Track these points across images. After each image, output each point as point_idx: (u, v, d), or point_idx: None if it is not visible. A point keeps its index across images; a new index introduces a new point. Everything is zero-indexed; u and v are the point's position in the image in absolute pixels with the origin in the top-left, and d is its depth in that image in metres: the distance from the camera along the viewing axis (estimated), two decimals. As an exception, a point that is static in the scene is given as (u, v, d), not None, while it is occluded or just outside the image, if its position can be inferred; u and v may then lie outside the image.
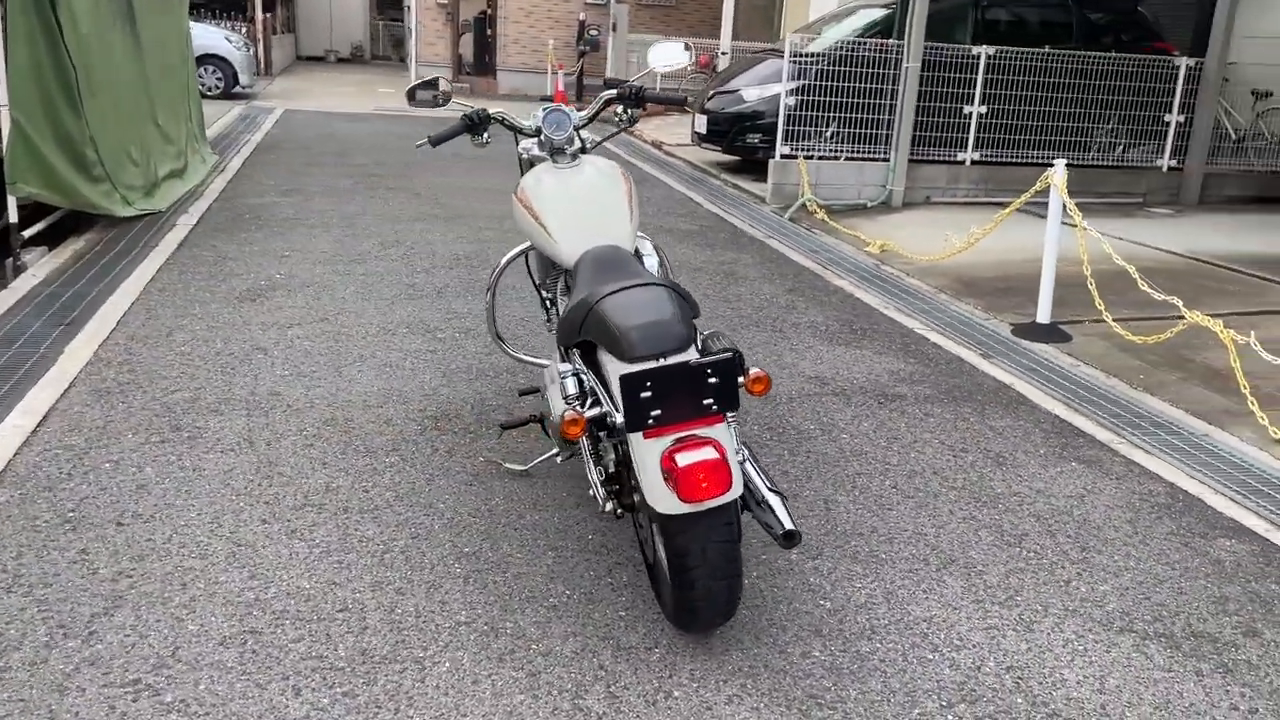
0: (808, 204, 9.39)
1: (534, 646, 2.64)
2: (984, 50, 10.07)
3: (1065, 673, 2.67)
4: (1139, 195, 10.87)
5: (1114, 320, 5.50)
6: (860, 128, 9.94)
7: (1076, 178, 10.61)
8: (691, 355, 2.48)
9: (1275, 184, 11.38)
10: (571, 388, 2.77)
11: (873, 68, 9.82)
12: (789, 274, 7.00)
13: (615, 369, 2.53)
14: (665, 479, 2.31)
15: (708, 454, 2.29)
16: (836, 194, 9.82)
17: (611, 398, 2.58)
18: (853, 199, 9.94)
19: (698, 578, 2.43)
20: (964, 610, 2.93)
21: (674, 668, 2.57)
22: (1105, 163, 10.94)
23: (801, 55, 9.96)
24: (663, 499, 2.33)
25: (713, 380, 2.35)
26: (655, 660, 2.60)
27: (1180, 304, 5.16)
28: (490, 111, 3.57)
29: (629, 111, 3.61)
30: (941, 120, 10.16)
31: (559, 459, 3.51)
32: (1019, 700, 2.54)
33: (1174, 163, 10.96)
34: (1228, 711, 2.56)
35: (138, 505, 3.26)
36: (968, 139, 10.34)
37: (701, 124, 11.28)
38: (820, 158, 9.95)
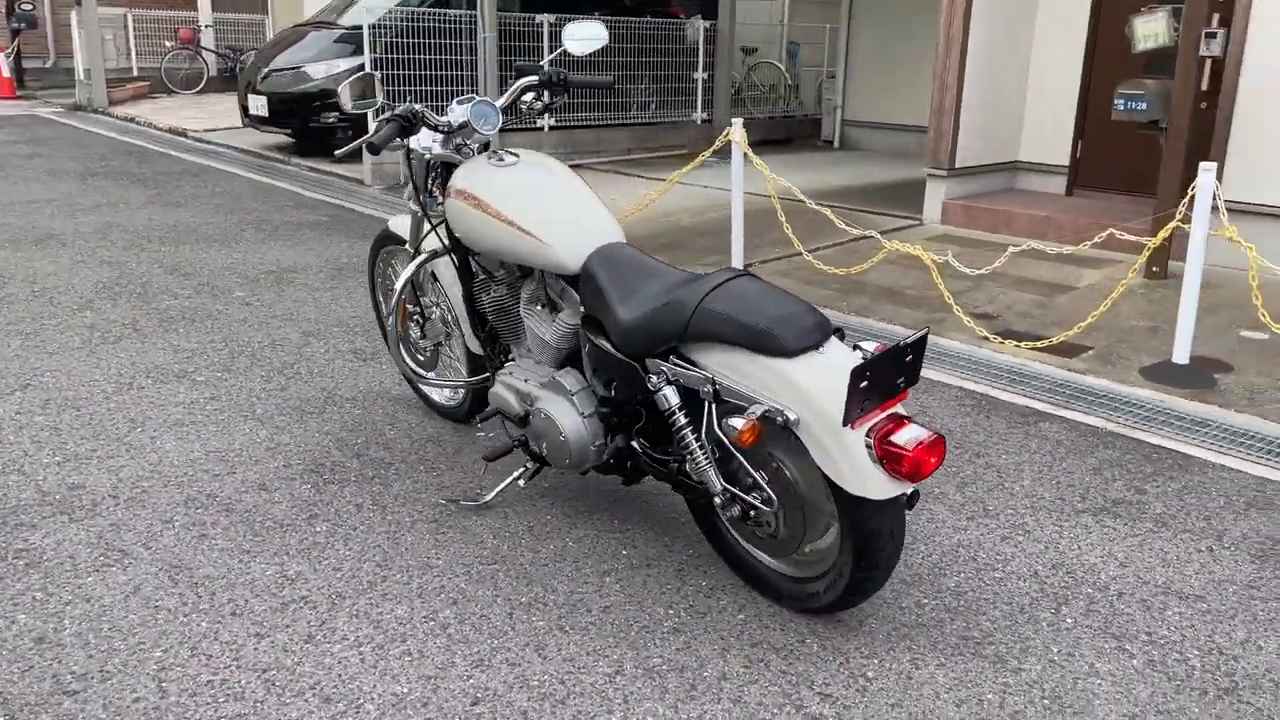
0: (416, 182, 9.10)
1: (731, 688, 2.47)
2: (546, 18, 10.39)
3: (1070, 550, 3.07)
4: (682, 147, 12.00)
5: (807, 252, 6.16)
6: (442, 100, 9.78)
7: (629, 136, 11.60)
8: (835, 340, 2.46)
9: (774, 128, 13.19)
10: (675, 397, 2.59)
11: (445, 38, 9.69)
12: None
13: (751, 364, 2.41)
14: (878, 462, 2.28)
15: (923, 432, 2.30)
16: (431, 169, 9.61)
17: (739, 395, 2.46)
18: (448, 173, 9.80)
19: (884, 556, 2.44)
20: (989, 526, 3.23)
21: (846, 654, 2.56)
22: (655, 119, 11.89)
23: (355, 28, 9.54)
24: (874, 483, 2.29)
25: (909, 359, 2.35)
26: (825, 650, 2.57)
27: (856, 232, 5.93)
28: (415, 107, 3.11)
29: (552, 99, 3.33)
30: (517, 88, 10.36)
31: (521, 481, 3.23)
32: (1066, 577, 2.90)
33: (705, 115, 12.24)
34: (1186, 541, 3.13)
35: None
36: (542, 105, 10.64)
37: (260, 105, 10.31)
38: (412, 133, 9.66)
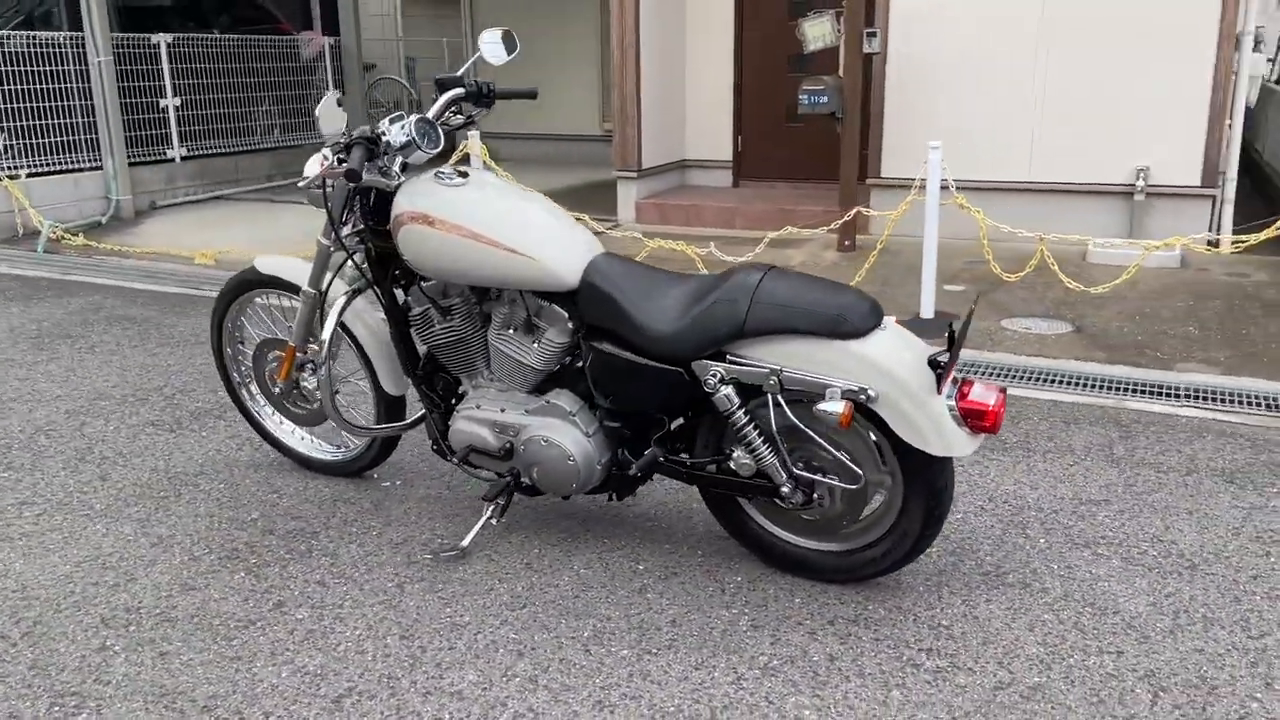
0: (51, 230, 7.94)
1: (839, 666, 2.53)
2: (164, 38, 9.44)
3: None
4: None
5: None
6: (46, 135, 8.55)
7: (271, 162, 10.84)
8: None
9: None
10: (735, 395, 2.62)
11: (43, 65, 8.48)
12: (173, 308, 6.09)
13: (823, 349, 2.51)
14: (960, 421, 2.47)
15: (989, 387, 2.51)
16: (57, 215, 8.40)
17: (803, 383, 2.55)
18: (77, 218, 8.61)
19: (944, 510, 2.65)
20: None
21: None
22: (295, 142, 11.21)
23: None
24: (959, 442, 2.47)
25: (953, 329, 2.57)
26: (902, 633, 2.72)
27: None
28: (377, 127, 2.81)
29: (477, 112, 3.10)
30: (141, 118, 9.31)
31: (494, 520, 3.08)
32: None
33: (342, 135, 11.73)
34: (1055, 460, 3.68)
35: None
36: (171, 134, 9.66)
37: None
38: (30, 174, 8.36)
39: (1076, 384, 4.53)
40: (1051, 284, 5.98)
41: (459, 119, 3.10)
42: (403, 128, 2.85)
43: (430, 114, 2.99)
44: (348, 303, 3.15)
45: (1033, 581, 2.86)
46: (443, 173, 2.89)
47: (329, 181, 2.96)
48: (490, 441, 2.96)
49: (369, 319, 3.25)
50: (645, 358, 2.70)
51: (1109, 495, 3.41)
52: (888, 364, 2.48)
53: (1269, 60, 9.80)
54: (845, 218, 6.79)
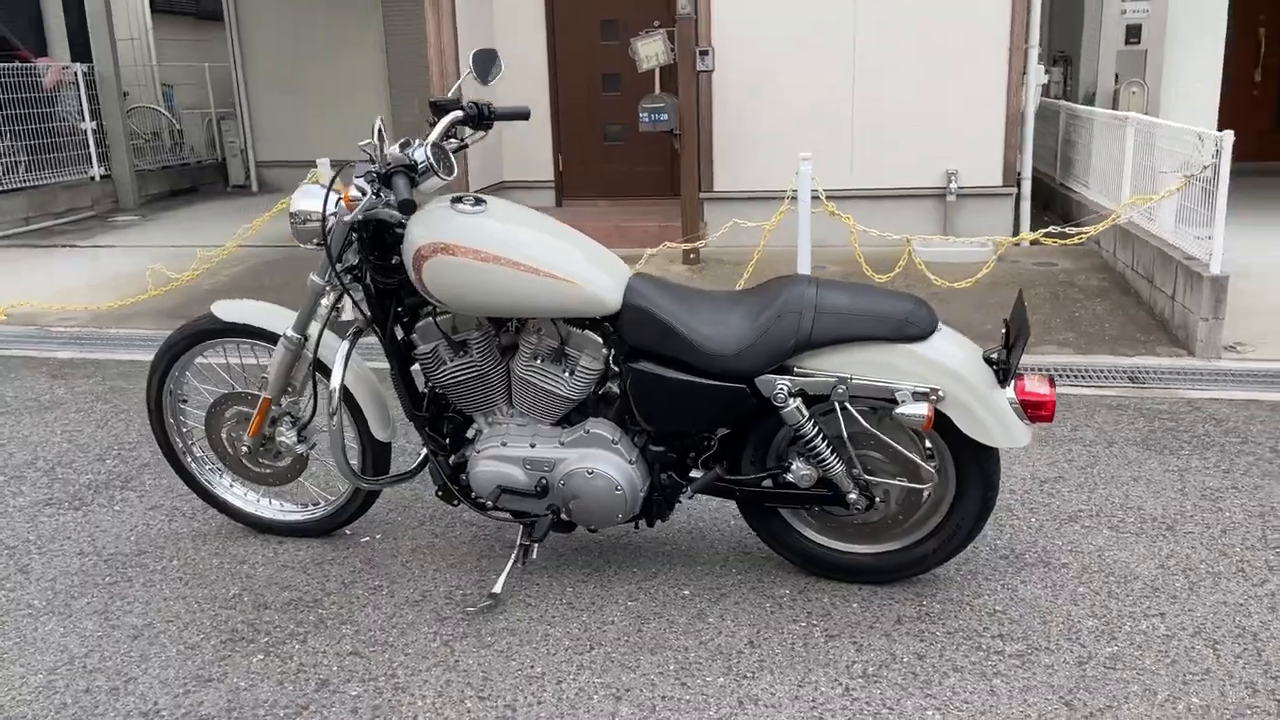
0: None
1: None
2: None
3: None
4: (88, 208, 10.43)
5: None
6: None
7: (26, 203, 9.72)
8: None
9: (177, 178, 12.02)
10: (804, 407, 2.63)
11: None
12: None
13: (890, 353, 2.57)
14: (1020, 413, 2.59)
15: (1040, 379, 2.64)
16: None
17: (869, 389, 2.60)
18: None
19: (995, 500, 2.76)
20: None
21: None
22: (48, 180, 10.13)
23: None
24: (1019, 433, 2.58)
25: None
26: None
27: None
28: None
29: (474, 135, 2.91)
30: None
31: (521, 564, 2.95)
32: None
33: (103, 170, 10.74)
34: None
35: None
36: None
37: None
38: None
39: (973, 373, 4.86)
40: (913, 283, 6.37)
41: (453, 143, 2.92)
42: (421, 153, 2.67)
43: (432, 139, 2.81)
44: (352, 346, 2.90)
45: (1050, 559, 3.04)
46: (461, 200, 2.72)
47: (330, 216, 2.73)
48: (521, 479, 2.82)
49: (354, 363, 3.00)
50: (703, 377, 2.66)
51: (1060, 472, 3.67)
52: (951, 364, 2.57)
53: (1046, 71, 10.87)
54: (706, 237, 6.94)
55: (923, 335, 2.58)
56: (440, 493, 3.00)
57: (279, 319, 3.03)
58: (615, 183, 9.01)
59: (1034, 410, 2.59)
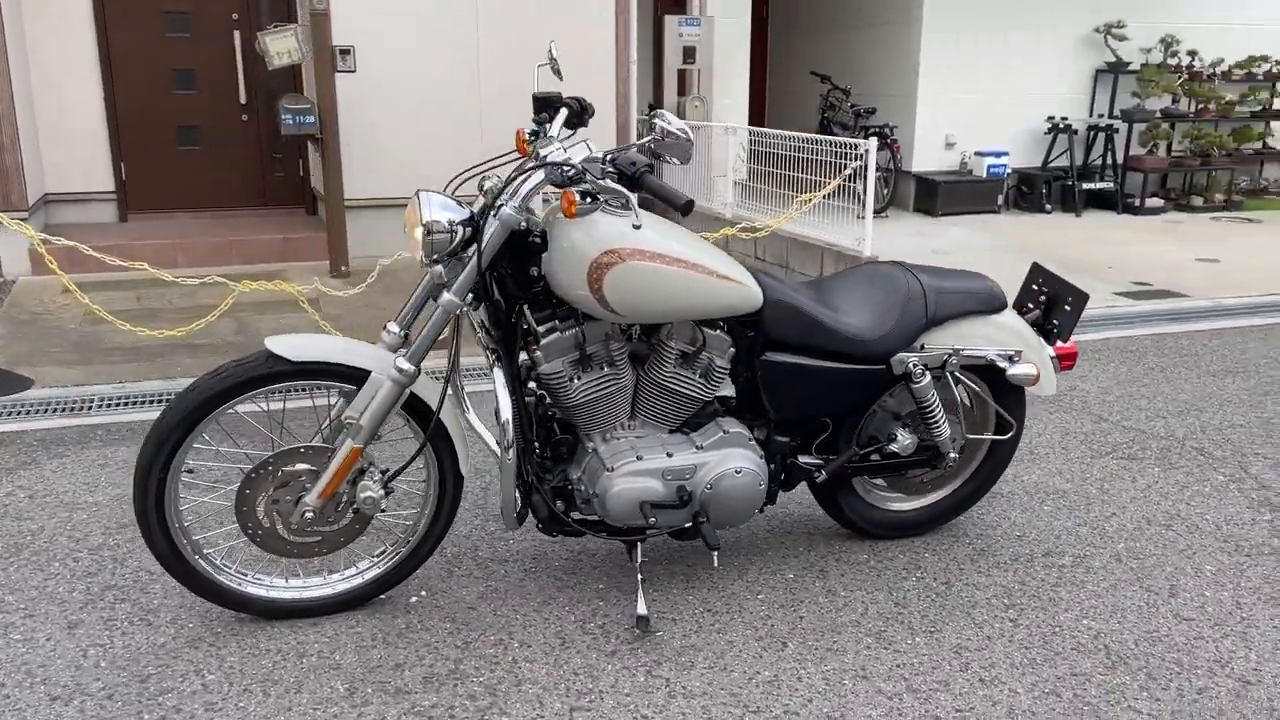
0: None
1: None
2: None
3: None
4: None
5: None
6: None
7: None
8: None
9: None
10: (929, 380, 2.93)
11: None
12: None
13: (984, 325, 2.98)
14: (1056, 365, 3.14)
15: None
16: None
17: (968, 356, 2.99)
18: None
19: (1022, 432, 3.26)
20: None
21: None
22: None
23: None
24: (1053, 382, 3.11)
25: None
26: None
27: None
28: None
29: (570, 133, 2.60)
30: None
31: (640, 575, 2.89)
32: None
33: None
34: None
35: None
36: None
37: None
38: None
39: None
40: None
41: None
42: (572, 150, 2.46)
43: (555, 134, 2.58)
44: (513, 373, 2.53)
45: (1055, 537, 3.66)
46: (610, 203, 2.55)
47: (489, 218, 2.40)
48: (661, 491, 2.72)
49: (436, 393, 2.62)
50: (844, 362, 2.82)
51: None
52: (1020, 328, 3.05)
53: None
54: (391, 259, 6.54)
55: (1003, 306, 3.03)
56: (543, 527, 2.75)
57: (362, 352, 2.54)
58: (196, 193, 8.02)
59: (1065, 362, 3.17)
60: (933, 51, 9.84)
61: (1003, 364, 2.98)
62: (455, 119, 7.59)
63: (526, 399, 2.73)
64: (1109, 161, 10.17)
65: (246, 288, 5.06)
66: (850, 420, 3.01)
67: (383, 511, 2.64)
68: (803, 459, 2.96)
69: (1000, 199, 9.93)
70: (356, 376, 2.54)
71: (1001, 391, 3.12)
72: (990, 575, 3.04)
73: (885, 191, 9.56)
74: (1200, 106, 10.30)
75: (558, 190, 2.46)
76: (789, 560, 3.12)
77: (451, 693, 2.44)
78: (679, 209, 2.27)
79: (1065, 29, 10.22)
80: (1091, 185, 10.11)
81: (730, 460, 2.76)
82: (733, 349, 2.77)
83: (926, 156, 10.01)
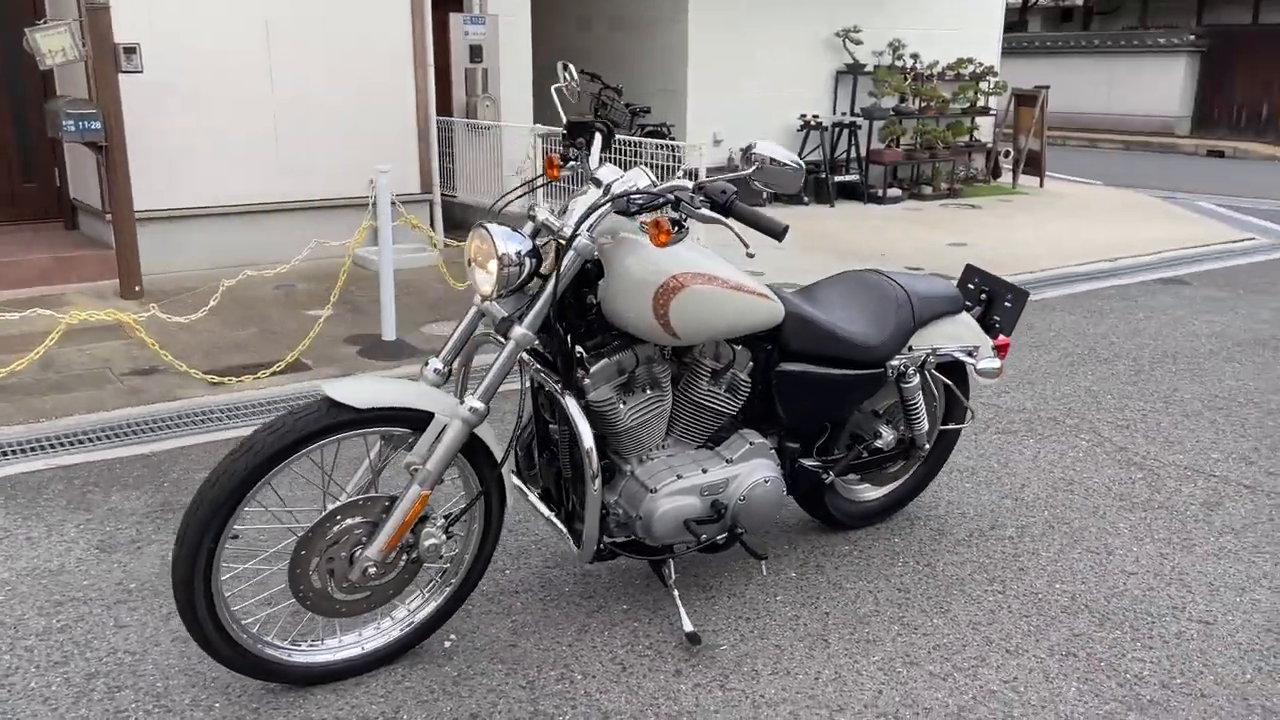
0: None
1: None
2: None
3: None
4: None
5: None
6: None
7: None
8: None
9: None
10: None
11: None
12: None
13: (953, 324, 3.24)
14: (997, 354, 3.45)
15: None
16: None
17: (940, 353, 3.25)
18: None
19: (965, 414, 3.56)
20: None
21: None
22: None
23: None
24: (993, 366, 3.42)
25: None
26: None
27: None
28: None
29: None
30: None
31: (675, 592, 2.95)
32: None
33: None
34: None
35: None
36: None
37: None
38: None
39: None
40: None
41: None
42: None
43: (595, 159, 2.56)
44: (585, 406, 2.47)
45: (991, 512, 3.98)
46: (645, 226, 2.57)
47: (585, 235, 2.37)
48: (699, 507, 2.78)
49: (488, 436, 2.54)
50: (851, 369, 2.99)
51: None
52: (974, 326, 3.34)
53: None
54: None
55: (963, 307, 3.31)
56: (594, 560, 2.74)
57: (423, 394, 2.41)
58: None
59: (1002, 353, 3.50)
60: (699, 50, 10.27)
61: (969, 360, 3.27)
62: (249, 125, 7.08)
63: (552, 427, 2.70)
64: (853, 155, 11.07)
65: (75, 318, 4.53)
66: (844, 422, 3.19)
67: (440, 558, 2.52)
68: (806, 462, 3.11)
69: (765, 193, 10.54)
70: (415, 420, 2.41)
71: (958, 383, 3.41)
72: (958, 553, 3.34)
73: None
74: (924, 105, 11.41)
75: (621, 217, 2.45)
76: (784, 560, 3.26)
77: (548, 736, 2.39)
78: (775, 236, 2.33)
79: (811, 33, 10.99)
80: (841, 178, 10.97)
81: (759, 471, 2.86)
82: (751, 362, 2.86)
83: (696, 154, 10.43)
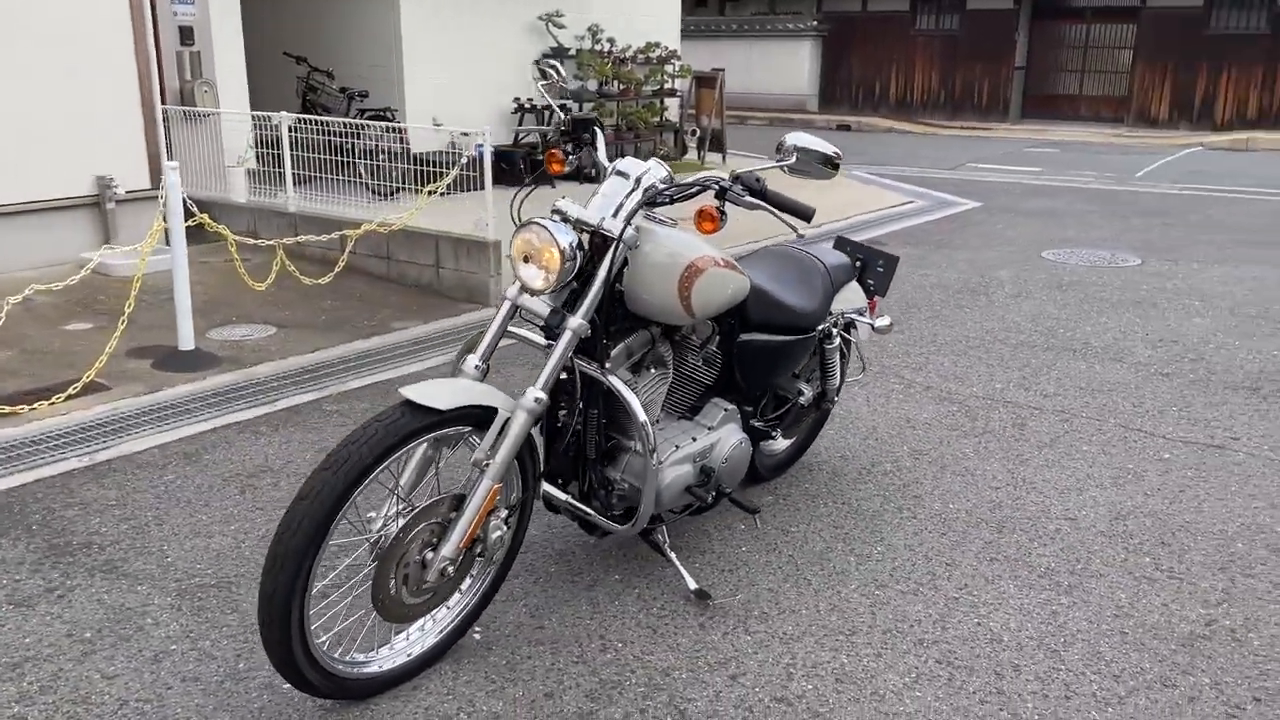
0: None
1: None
2: None
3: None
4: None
5: None
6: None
7: None
8: None
9: None
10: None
11: None
12: None
13: (853, 290, 3.64)
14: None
15: None
16: None
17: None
18: None
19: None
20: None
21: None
22: None
23: None
24: (887, 323, 3.84)
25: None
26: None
27: None
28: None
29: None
30: None
31: (674, 555, 3.18)
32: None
33: None
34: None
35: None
36: None
37: None
38: None
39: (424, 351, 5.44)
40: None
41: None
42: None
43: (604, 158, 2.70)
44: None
45: (866, 451, 4.41)
46: (652, 215, 2.75)
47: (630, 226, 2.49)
48: (694, 474, 3.01)
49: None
50: (795, 334, 3.31)
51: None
52: (860, 290, 3.78)
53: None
54: None
55: (855, 275, 3.73)
56: (592, 528, 2.89)
57: (486, 391, 2.43)
58: None
59: (873, 312, 3.96)
60: (414, 35, 10.13)
61: (866, 320, 3.71)
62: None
63: (563, 412, 2.81)
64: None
65: None
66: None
67: (503, 547, 2.56)
68: (756, 424, 3.40)
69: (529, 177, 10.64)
70: (478, 417, 2.43)
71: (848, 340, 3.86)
72: (860, 489, 3.79)
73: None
74: (624, 87, 11.99)
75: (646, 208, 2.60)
76: (727, 515, 3.54)
77: (628, 701, 2.53)
78: (806, 218, 2.59)
79: (518, 17, 11.16)
80: (558, 158, 11.28)
81: (733, 435, 3.12)
82: (718, 335, 3.11)
83: (420, 138, 10.31)
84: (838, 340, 3.61)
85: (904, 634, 2.87)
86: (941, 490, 3.79)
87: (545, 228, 2.48)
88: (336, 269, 6.05)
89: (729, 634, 2.84)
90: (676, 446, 2.94)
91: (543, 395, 2.49)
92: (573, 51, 11.56)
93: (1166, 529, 3.51)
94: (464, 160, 6.42)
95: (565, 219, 2.59)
